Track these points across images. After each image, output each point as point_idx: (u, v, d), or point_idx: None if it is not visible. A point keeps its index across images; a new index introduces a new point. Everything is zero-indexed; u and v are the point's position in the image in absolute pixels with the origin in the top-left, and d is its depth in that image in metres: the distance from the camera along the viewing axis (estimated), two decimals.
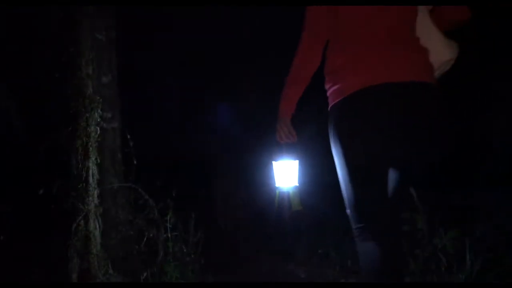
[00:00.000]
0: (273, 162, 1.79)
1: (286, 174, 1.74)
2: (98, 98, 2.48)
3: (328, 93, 1.56)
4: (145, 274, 2.78)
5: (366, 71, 1.44)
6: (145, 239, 2.88)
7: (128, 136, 2.81)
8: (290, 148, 1.67)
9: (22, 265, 2.73)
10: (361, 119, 1.43)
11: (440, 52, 1.53)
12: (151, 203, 2.84)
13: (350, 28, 1.50)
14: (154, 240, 2.94)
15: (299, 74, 1.61)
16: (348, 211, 1.56)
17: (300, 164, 1.72)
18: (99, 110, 2.50)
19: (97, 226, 2.60)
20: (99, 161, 2.56)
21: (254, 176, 3.66)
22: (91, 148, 2.50)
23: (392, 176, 1.52)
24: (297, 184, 1.73)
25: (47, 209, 2.59)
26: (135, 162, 2.79)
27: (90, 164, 2.50)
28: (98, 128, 2.51)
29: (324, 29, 1.56)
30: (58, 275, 2.52)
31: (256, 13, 4.07)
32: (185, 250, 3.02)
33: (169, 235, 2.96)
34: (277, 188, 1.81)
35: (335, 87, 1.51)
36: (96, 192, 2.53)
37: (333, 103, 1.53)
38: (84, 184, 2.50)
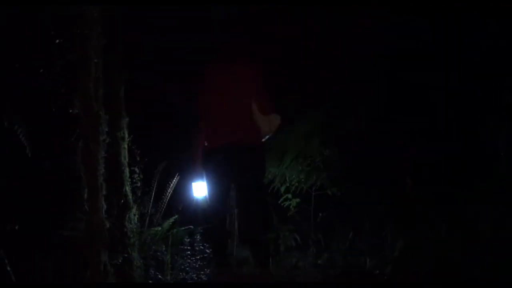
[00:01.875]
0: (192, 183, 3.12)
1: (199, 189, 3.04)
2: (105, 114, 2.57)
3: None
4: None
5: (219, 138, 2.72)
6: (151, 252, 2.99)
7: (133, 147, 2.92)
8: (200, 177, 2.92)
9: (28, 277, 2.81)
10: (215, 160, 2.73)
11: (263, 126, 2.77)
12: (158, 216, 2.95)
13: (213, 116, 2.77)
14: (160, 252, 3.05)
15: (199, 146, 2.88)
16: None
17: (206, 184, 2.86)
18: (105, 124, 2.60)
19: (104, 238, 2.69)
20: (106, 175, 2.65)
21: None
22: (98, 162, 2.58)
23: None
24: (206, 194, 2.89)
25: (54, 223, 2.68)
26: (141, 176, 2.89)
27: (98, 178, 2.59)
28: (105, 143, 2.60)
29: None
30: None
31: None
32: (189, 263, 3.14)
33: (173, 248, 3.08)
34: (194, 197, 3.13)
35: (206, 144, 2.82)
36: (103, 206, 2.61)
37: (204, 151, 2.83)
38: (91, 198, 2.58)
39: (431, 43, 4.63)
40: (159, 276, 2.98)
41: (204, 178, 2.83)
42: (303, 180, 3.85)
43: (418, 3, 4.27)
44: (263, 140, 2.83)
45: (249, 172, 2.69)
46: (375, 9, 4.51)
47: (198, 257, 3.21)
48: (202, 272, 3.13)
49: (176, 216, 3.16)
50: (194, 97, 2.86)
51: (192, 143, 2.95)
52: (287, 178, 3.83)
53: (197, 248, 3.27)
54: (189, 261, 3.13)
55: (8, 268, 2.54)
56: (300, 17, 4.49)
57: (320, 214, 3.89)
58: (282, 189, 3.85)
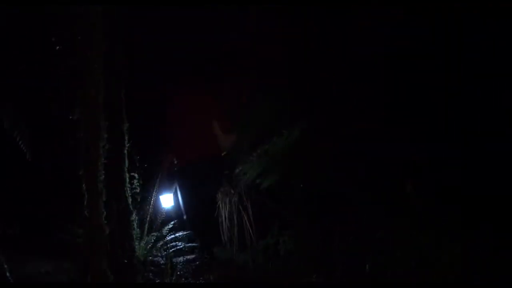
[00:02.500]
0: (160, 196, 3.43)
1: (168, 200, 3.29)
2: (105, 119, 2.57)
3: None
4: None
5: (188, 154, 3.27)
6: (151, 257, 3.00)
7: (132, 152, 2.93)
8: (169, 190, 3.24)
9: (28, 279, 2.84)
10: (187, 173, 3.38)
11: (221, 142, 3.29)
12: (158, 222, 2.96)
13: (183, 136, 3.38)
14: (159, 257, 3.07)
15: (169, 162, 3.52)
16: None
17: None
18: (105, 130, 2.60)
19: (104, 243, 2.70)
20: (106, 181, 2.65)
21: None
22: (98, 168, 2.59)
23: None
24: (172, 204, 3.28)
25: (55, 226, 2.69)
26: (141, 182, 2.90)
27: (98, 184, 2.60)
28: (105, 149, 2.61)
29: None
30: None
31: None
32: (188, 268, 3.16)
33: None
34: (163, 206, 3.37)
35: (177, 160, 3.48)
36: (103, 211, 2.63)
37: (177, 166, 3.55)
38: (91, 203, 2.60)
39: (431, 43, 4.63)
40: (158, 281, 3.00)
41: (174, 190, 3.26)
42: (302, 184, 3.86)
43: (418, 3, 4.27)
44: (223, 154, 3.40)
45: (208, 181, 3.24)
46: (375, 9, 4.51)
47: (197, 263, 3.23)
48: (201, 278, 3.15)
49: (175, 221, 3.18)
50: (165, 121, 3.34)
51: (162, 160, 3.37)
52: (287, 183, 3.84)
53: (196, 253, 3.29)
54: (187, 266, 3.15)
55: (8, 274, 2.56)
56: (300, 17, 4.49)
57: (321, 218, 3.90)
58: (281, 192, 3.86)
